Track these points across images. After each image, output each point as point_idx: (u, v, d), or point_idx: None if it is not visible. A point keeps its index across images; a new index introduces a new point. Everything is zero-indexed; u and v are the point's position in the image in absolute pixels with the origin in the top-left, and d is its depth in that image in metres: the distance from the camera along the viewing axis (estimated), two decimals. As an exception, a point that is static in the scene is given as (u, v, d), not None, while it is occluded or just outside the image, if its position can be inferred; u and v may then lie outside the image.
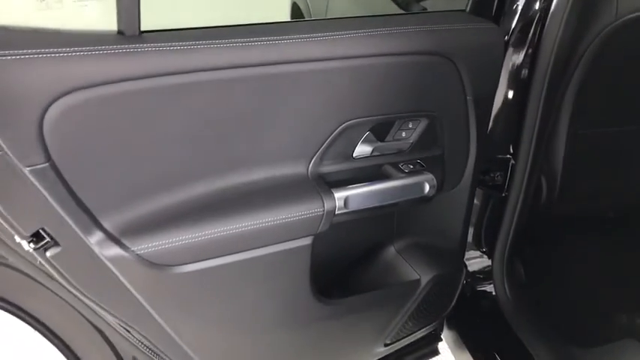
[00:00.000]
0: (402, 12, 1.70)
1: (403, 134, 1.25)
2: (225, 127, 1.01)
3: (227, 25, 1.01)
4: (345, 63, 1.07)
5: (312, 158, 1.14)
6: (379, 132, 1.21)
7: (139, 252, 0.97)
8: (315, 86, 1.06)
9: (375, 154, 1.22)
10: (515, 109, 1.33)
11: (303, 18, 2.21)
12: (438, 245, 1.46)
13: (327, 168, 1.17)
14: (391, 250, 1.47)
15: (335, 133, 1.13)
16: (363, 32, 1.07)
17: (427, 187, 1.24)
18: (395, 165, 1.25)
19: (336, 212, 1.13)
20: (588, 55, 1.35)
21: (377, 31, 1.08)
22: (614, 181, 1.68)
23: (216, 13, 1.18)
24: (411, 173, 1.24)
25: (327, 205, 1.11)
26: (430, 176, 1.24)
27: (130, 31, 0.89)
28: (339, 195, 1.13)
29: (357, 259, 1.45)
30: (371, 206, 1.18)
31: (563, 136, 1.53)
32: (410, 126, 1.25)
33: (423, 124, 1.25)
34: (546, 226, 1.72)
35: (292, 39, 1.00)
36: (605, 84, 1.48)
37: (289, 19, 2.05)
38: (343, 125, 1.14)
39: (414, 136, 1.26)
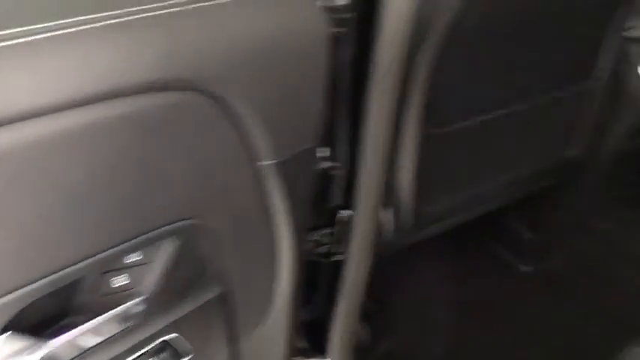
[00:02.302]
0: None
1: (121, 282, 0.48)
2: None
3: None
4: None
5: None
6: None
7: None
8: None
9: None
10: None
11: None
12: None
13: None
14: None
15: None
16: None
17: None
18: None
19: None
20: (448, 21, 0.86)
21: None
22: (470, 189, 1.18)
23: None
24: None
25: None
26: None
27: None
28: None
29: None
30: None
31: (413, 143, 0.98)
32: (139, 258, 0.48)
33: (169, 247, 0.50)
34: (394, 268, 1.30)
35: None
36: (463, 59, 0.96)
37: None
38: None
39: (151, 282, 0.53)
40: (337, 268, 0.89)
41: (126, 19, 0.46)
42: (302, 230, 0.70)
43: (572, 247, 1.50)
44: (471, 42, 0.93)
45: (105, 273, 0.52)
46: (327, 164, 0.83)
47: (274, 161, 0.55)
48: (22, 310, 0.46)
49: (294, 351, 0.86)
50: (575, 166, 1.28)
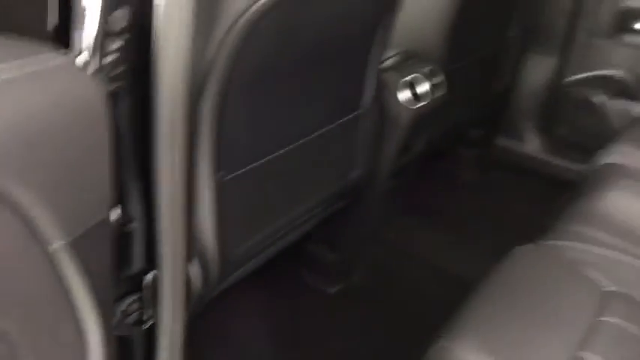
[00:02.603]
0: None
1: None
2: None
3: None
4: None
5: None
6: None
7: None
8: None
9: None
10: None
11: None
12: None
13: None
14: None
15: None
16: None
17: None
18: None
19: None
20: (223, 61, 0.87)
21: None
22: (273, 224, 1.21)
23: None
24: None
25: None
26: None
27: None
28: None
29: None
30: None
31: (209, 191, 0.96)
32: None
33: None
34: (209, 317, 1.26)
35: None
36: (246, 101, 0.98)
37: None
38: None
39: None
40: (151, 333, 0.84)
41: None
42: (107, 304, 0.65)
43: (370, 261, 1.61)
44: (251, 84, 0.95)
45: None
46: (123, 227, 0.79)
47: (66, 241, 0.51)
48: None
49: None
50: (360, 186, 1.39)
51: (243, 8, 0.82)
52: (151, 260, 0.81)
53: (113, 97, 0.69)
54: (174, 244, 0.81)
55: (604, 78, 1.88)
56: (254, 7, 0.83)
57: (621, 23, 1.80)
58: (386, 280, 1.62)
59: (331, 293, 1.57)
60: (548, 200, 1.41)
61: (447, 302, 0.96)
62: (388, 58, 1.34)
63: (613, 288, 0.98)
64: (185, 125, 0.75)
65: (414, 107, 1.35)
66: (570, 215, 1.18)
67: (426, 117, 1.41)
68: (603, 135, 1.58)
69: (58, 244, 0.51)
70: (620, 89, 1.85)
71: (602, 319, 0.91)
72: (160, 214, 0.77)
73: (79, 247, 0.53)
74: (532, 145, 2.05)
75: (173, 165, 0.76)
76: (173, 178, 0.78)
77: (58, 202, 0.49)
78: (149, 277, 0.82)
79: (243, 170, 1.03)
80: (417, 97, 1.35)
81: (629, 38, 1.80)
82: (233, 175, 1.02)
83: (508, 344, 0.86)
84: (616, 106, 1.85)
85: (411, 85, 1.35)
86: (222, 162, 0.97)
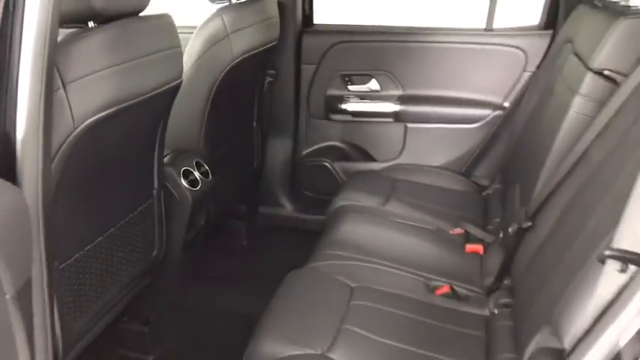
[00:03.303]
0: None
1: None
2: None
3: None
4: None
5: None
6: None
7: None
8: None
9: None
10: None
11: None
12: None
13: None
14: None
15: None
16: None
17: None
18: None
19: None
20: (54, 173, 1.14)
21: None
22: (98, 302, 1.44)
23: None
24: None
25: None
26: None
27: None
28: None
29: None
30: None
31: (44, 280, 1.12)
32: None
33: None
34: None
35: None
36: (69, 199, 1.24)
37: None
38: None
39: None
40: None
41: None
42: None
43: (180, 325, 1.87)
44: (74, 189, 1.22)
45: None
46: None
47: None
48: None
49: None
50: (159, 262, 1.68)
51: (64, 138, 1.14)
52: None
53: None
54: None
55: (327, 147, 2.46)
56: (72, 135, 1.15)
57: (329, 105, 2.42)
58: (196, 338, 1.89)
59: (149, 362, 1.78)
60: (307, 248, 1.79)
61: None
62: (166, 155, 1.70)
63: (357, 284, 1.44)
64: (46, 226, 1.01)
65: (192, 191, 1.72)
66: (321, 245, 1.65)
67: (202, 198, 1.78)
68: (334, 189, 2.09)
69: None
70: (339, 154, 2.45)
71: (353, 302, 1.35)
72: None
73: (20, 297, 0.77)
74: (287, 208, 2.53)
75: (40, 261, 1.00)
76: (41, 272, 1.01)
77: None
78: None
79: (73, 258, 1.28)
80: (191, 183, 1.73)
81: (335, 116, 2.42)
82: (65, 263, 1.25)
83: (299, 333, 1.24)
84: (339, 166, 2.44)
85: (186, 175, 1.73)
86: (55, 254, 1.21)
